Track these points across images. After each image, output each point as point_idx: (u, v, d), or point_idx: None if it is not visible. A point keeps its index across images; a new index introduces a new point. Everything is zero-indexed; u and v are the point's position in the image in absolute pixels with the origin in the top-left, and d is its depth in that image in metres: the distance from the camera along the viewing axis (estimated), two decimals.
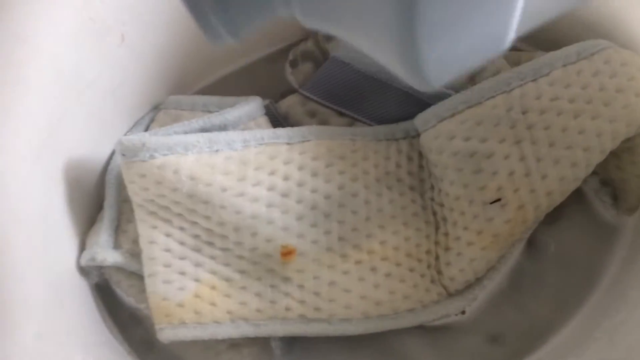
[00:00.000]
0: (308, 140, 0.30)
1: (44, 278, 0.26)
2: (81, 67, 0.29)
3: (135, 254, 0.29)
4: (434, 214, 0.30)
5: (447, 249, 0.29)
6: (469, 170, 0.28)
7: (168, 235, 0.28)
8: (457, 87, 0.30)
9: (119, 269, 0.30)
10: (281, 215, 0.28)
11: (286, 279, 0.28)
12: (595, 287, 0.29)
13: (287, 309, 0.28)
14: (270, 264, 0.28)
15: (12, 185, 0.25)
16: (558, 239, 0.31)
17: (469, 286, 0.29)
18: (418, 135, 0.31)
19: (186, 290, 0.28)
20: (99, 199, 0.31)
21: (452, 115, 0.29)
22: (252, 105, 0.31)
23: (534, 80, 0.28)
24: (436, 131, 0.29)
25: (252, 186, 0.28)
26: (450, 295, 0.29)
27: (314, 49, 0.35)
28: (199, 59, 0.35)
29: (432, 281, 0.29)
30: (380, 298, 0.28)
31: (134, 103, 0.33)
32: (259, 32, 0.17)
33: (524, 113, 0.28)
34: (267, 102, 0.33)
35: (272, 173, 0.28)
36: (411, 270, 0.29)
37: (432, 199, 0.30)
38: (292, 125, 0.32)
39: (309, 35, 0.36)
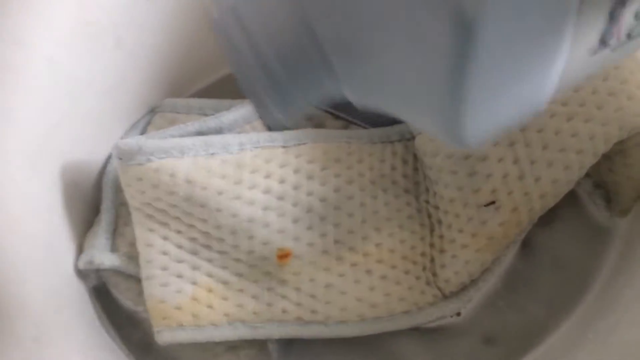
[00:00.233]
0: (304, 144, 0.30)
1: (41, 281, 0.27)
2: (77, 71, 0.29)
3: (133, 257, 0.29)
4: (429, 216, 0.31)
5: (442, 251, 0.30)
6: (463, 172, 0.29)
7: (165, 238, 0.28)
8: None
9: (116, 271, 0.30)
10: (277, 218, 0.28)
11: (282, 282, 0.28)
12: (589, 289, 0.30)
13: (284, 311, 0.28)
14: (266, 266, 0.28)
15: (9, 189, 0.26)
16: (552, 241, 0.31)
17: (463, 288, 0.29)
18: (413, 137, 0.31)
19: (183, 293, 0.28)
20: (96, 202, 0.32)
21: None
22: (248, 109, 0.31)
23: None
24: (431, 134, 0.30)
25: (248, 189, 0.28)
26: (445, 297, 0.29)
27: None
28: (194, 62, 0.35)
29: (428, 283, 0.29)
30: (376, 300, 0.28)
31: (130, 106, 0.33)
32: None
33: None
34: None
35: (268, 176, 0.28)
36: (406, 272, 0.29)
37: (427, 202, 0.31)
38: (287, 127, 0.33)
39: None
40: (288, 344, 0.29)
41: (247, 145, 0.29)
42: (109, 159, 0.32)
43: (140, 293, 0.28)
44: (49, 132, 0.28)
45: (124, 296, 0.30)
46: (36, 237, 0.27)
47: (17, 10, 0.25)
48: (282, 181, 0.28)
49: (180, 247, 0.28)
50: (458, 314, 0.30)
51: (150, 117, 0.34)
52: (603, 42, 0.15)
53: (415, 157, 0.31)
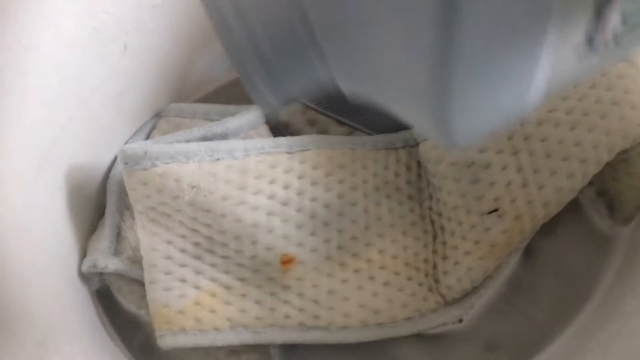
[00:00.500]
0: (308, 150, 0.30)
1: (45, 284, 0.27)
2: (85, 75, 0.29)
3: (136, 260, 0.29)
4: (432, 223, 0.31)
5: (444, 257, 0.30)
6: (466, 180, 0.29)
7: (169, 242, 0.28)
8: None
9: (119, 275, 0.30)
10: (281, 224, 0.28)
11: (286, 287, 0.28)
12: (591, 297, 0.30)
13: (287, 316, 0.28)
14: (270, 272, 0.28)
15: (15, 192, 0.26)
16: (554, 249, 0.31)
17: (466, 295, 0.29)
18: (417, 144, 0.31)
19: (186, 297, 0.28)
20: (101, 205, 0.32)
21: None
22: (253, 114, 0.31)
23: None
24: (435, 141, 0.30)
25: (253, 195, 0.28)
26: (447, 303, 0.29)
27: None
28: (200, 67, 0.35)
29: (430, 290, 0.29)
30: (379, 306, 0.28)
31: (136, 110, 0.33)
32: None
33: (521, 124, 0.28)
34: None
35: (272, 182, 0.28)
36: (409, 278, 0.29)
37: (431, 208, 0.31)
38: (292, 133, 0.33)
39: None
40: (290, 349, 0.29)
41: (252, 150, 0.29)
42: (114, 162, 0.32)
43: (144, 297, 0.29)
44: (56, 136, 0.28)
45: (127, 300, 0.30)
46: (40, 240, 0.27)
47: (27, 16, 0.25)
48: (286, 187, 0.29)
49: (184, 251, 0.28)
50: (460, 321, 0.30)
51: (156, 122, 0.34)
52: (589, 41, 0.15)
53: (419, 164, 0.31)
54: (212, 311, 0.28)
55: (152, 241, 0.28)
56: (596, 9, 0.14)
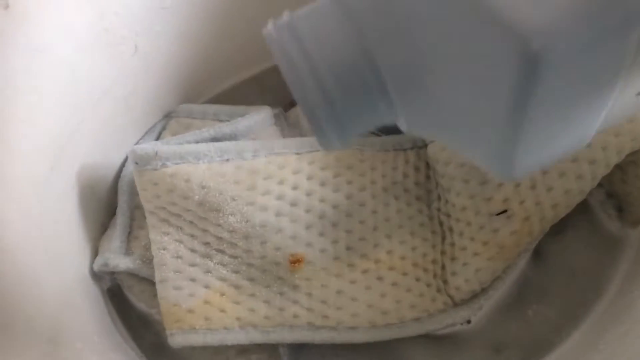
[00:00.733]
0: (317, 150, 0.30)
1: (58, 283, 0.27)
2: (96, 77, 0.29)
3: (147, 259, 0.30)
4: (441, 224, 0.31)
5: (453, 258, 0.30)
6: (475, 181, 0.29)
7: (179, 242, 0.29)
8: None
9: (130, 274, 0.30)
10: (290, 224, 0.28)
11: (294, 287, 0.28)
12: (600, 299, 0.30)
13: (295, 316, 0.28)
14: (279, 271, 0.28)
15: (28, 193, 0.26)
16: (563, 250, 0.31)
17: (474, 296, 0.29)
18: (425, 145, 0.31)
19: (196, 296, 0.28)
20: (112, 205, 0.32)
21: None
22: (262, 115, 0.31)
23: None
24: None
25: (262, 195, 0.28)
26: (456, 304, 0.29)
27: None
28: (209, 68, 0.35)
29: (438, 290, 0.30)
30: (387, 307, 0.28)
31: (147, 111, 0.33)
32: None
33: None
34: (276, 110, 0.33)
35: (281, 182, 0.29)
36: (417, 279, 0.29)
37: (439, 209, 0.31)
38: (301, 133, 0.33)
39: None
40: (299, 348, 0.30)
41: (261, 151, 0.29)
42: (125, 162, 0.33)
43: (154, 295, 0.29)
44: (68, 137, 0.28)
45: (137, 298, 0.31)
46: (53, 240, 0.28)
47: (38, 18, 0.25)
48: (295, 187, 0.29)
49: (193, 251, 0.29)
50: (468, 322, 0.30)
51: (166, 122, 0.34)
52: None
53: (427, 164, 0.32)
54: (222, 310, 0.28)
55: (162, 240, 0.29)
56: None
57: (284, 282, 0.29)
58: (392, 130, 0.32)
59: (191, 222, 0.29)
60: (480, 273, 0.29)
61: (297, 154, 0.30)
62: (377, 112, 0.17)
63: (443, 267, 0.30)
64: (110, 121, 0.31)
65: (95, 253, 0.31)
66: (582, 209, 0.30)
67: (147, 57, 0.32)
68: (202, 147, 0.28)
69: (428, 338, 0.30)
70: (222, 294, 0.28)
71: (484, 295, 0.29)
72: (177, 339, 0.28)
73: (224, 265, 0.29)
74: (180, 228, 0.29)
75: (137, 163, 0.28)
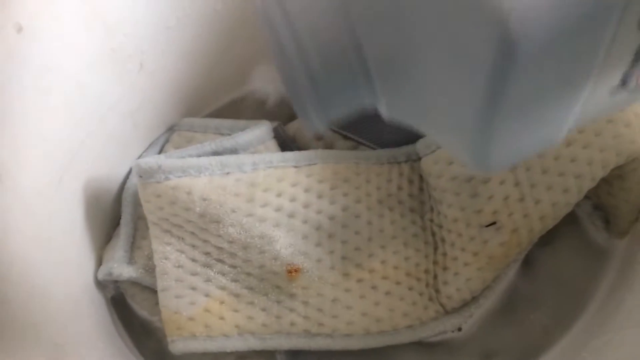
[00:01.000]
0: (314, 164, 0.31)
1: (64, 291, 0.28)
2: (103, 93, 0.30)
3: (150, 269, 0.31)
4: (433, 235, 0.32)
5: (445, 268, 0.31)
6: (466, 194, 0.30)
7: (180, 252, 0.30)
8: None
9: (133, 283, 0.31)
10: (287, 235, 0.29)
11: (291, 295, 0.29)
12: (587, 307, 0.30)
13: (292, 324, 0.29)
14: (276, 280, 0.29)
15: (37, 204, 0.27)
16: (552, 260, 0.32)
17: (465, 304, 0.30)
18: (419, 158, 0.32)
19: (197, 304, 0.29)
20: (116, 216, 0.33)
21: None
22: (262, 130, 0.32)
23: None
24: (436, 156, 0.31)
25: (261, 207, 0.29)
26: (447, 312, 0.30)
27: None
28: (211, 84, 0.36)
29: (430, 299, 0.30)
30: (381, 315, 0.29)
31: (151, 125, 0.34)
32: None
33: None
34: (275, 124, 0.34)
35: (279, 195, 0.30)
36: (410, 288, 0.30)
37: (432, 221, 0.32)
38: (299, 147, 0.34)
39: None
40: (295, 355, 0.31)
41: (261, 164, 0.30)
42: (129, 175, 0.34)
43: (156, 304, 0.30)
44: (75, 151, 0.29)
45: (140, 306, 0.32)
46: (59, 249, 0.28)
47: (50, 40, 0.26)
48: (293, 199, 0.30)
49: (194, 260, 0.30)
50: (459, 329, 0.31)
51: (169, 135, 0.35)
52: (623, 83, 0.16)
53: (420, 177, 0.33)
54: (221, 318, 0.29)
55: (164, 250, 0.30)
56: (634, 58, 0.16)
57: (281, 290, 0.29)
58: (386, 144, 0.33)
59: (192, 233, 0.30)
60: (471, 282, 0.30)
61: (296, 167, 0.31)
62: (360, 94, 0.18)
63: (435, 277, 0.31)
64: (116, 135, 0.32)
65: (99, 262, 0.31)
66: (571, 220, 0.31)
67: (152, 74, 0.33)
68: (204, 160, 0.29)
69: (420, 345, 0.30)
70: (222, 302, 0.29)
71: (475, 304, 0.30)
72: (177, 346, 0.29)
73: (223, 274, 0.30)
74: (182, 238, 0.30)
75: (141, 176, 0.29)
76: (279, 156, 0.31)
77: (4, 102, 0.24)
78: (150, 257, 0.31)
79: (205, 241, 0.30)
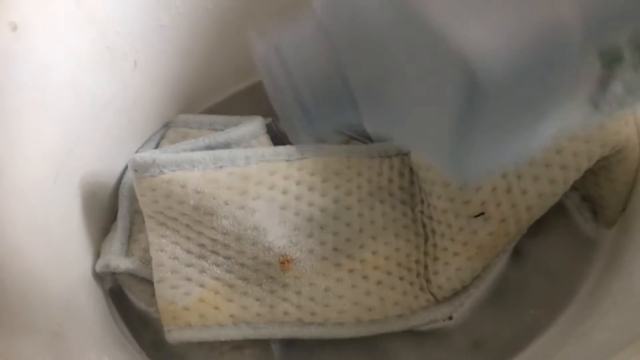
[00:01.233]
0: (306, 157, 0.32)
1: (62, 283, 0.28)
2: (98, 91, 0.31)
3: (146, 261, 0.31)
4: (424, 226, 0.32)
5: (435, 258, 0.31)
6: (454, 185, 0.30)
7: (176, 243, 0.30)
8: None
9: (131, 274, 0.32)
10: (280, 227, 0.30)
11: (284, 285, 0.30)
12: (575, 296, 0.31)
13: (285, 313, 0.30)
14: (269, 271, 0.30)
15: (35, 199, 0.28)
16: (541, 250, 0.32)
17: (455, 294, 0.31)
18: (409, 152, 0.33)
19: (192, 295, 0.30)
20: (113, 210, 0.34)
21: None
22: (254, 125, 0.33)
23: None
24: None
25: (253, 199, 0.30)
26: (438, 302, 0.31)
27: None
28: (206, 81, 0.37)
29: (421, 289, 0.31)
30: (372, 304, 0.30)
31: (146, 122, 0.35)
32: None
33: None
34: (269, 120, 0.35)
35: (271, 187, 0.30)
36: (401, 278, 0.31)
37: (422, 213, 0.32)
38: (291, 141, 0.35)
39: None
40: (289, 343, 0.31)
41: (253, 158, 0.31)
42: (125, 170, 0.34)
43: (153, 295, 0.30)
44: (72, 147, 0.30)
45: (137, 297, 0.32)
46: (58, 243, 0.29)
47: (45, 38, 0.27)
48: (285, 192, 0.30)
49: (189, 252, 0.30)
50: (450, 318, 0.31)
51: (164, 132, 0.36)
52: (595, 105, 0.17)
53: (411, 170, 0.33)
54: (216, 308, 0.30)
55: (160, 242, 0.30)
56: (599, 87, 0.17)
57: (274, 281, 0.30)
58: (378, 138, 0.34)
59: (187, 225, 0.30)
60: (461, 272, 0.30)
61: (287, 160, 0.31)
62: (346, 115, 0.19)
63: (426, 267, 0.31)
64: (112, 131, 0.33)
65: (97, 255, 0.32)
66: (559, 211, 0.32)
67: (146, 71, 0.33)
68: (197, 155, 0.30)
69: (411, 333, 0.31)
70: (217, 293, 0.30)
71: (465, 293, 0.31)
72: (173, 335, 0.29)
73: (218, 265, 0.30)
74: (177, 231, 0.30)
75: (136, 170, 0.30)
76: (271, 150, 0.31)
77: (0, 100, 0.25)
78: (146, 250, 0.31)
79: (199, 233, 0.30)
